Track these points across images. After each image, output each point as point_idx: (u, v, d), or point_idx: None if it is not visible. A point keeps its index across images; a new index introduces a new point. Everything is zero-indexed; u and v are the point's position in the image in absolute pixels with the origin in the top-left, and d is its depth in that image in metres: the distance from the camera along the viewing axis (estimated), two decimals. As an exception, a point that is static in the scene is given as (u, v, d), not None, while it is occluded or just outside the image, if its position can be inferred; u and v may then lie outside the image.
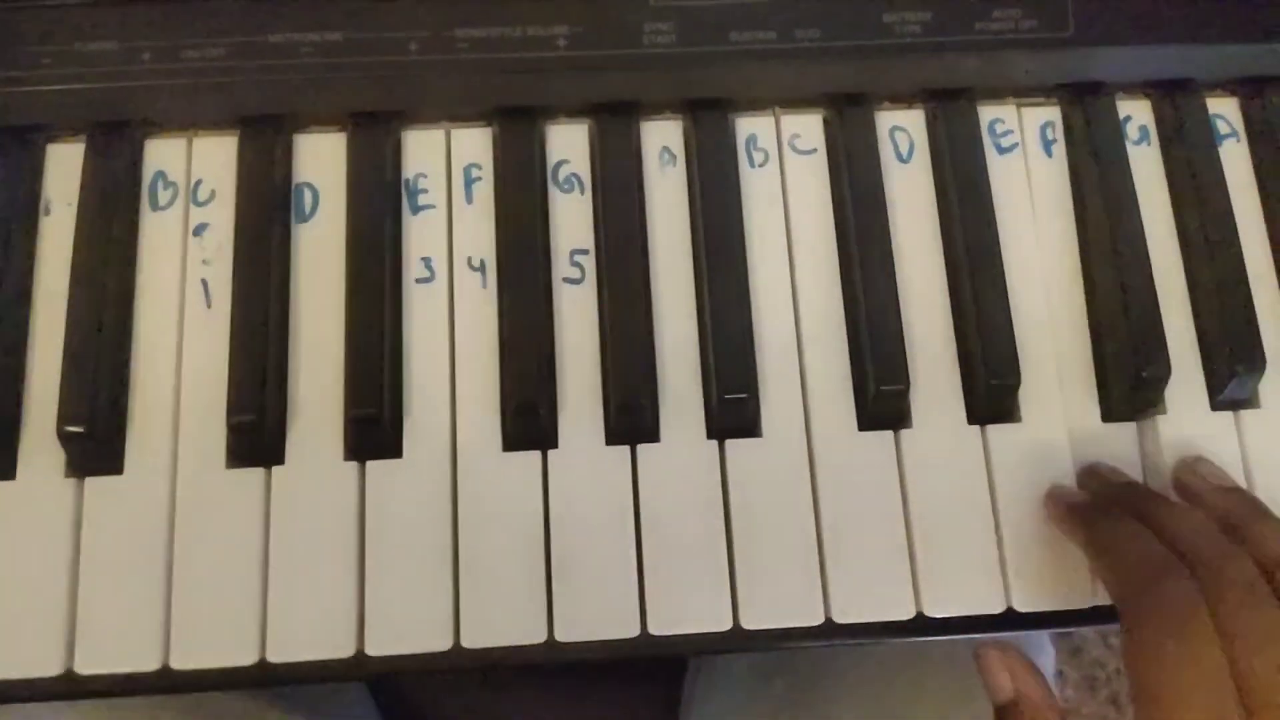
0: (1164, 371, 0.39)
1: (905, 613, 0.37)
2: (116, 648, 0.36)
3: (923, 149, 0.42)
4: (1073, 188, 0.42)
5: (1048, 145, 0.43)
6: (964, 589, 0.37)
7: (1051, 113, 0.43)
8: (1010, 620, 0.37)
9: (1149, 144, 0.43)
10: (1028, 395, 0.39)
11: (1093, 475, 0.38)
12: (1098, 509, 0.36)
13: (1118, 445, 0.39)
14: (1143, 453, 0.39)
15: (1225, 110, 0.43)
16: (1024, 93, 0.43)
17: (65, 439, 0.37)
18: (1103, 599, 0.37)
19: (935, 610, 0.37)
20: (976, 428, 0.39)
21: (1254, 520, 0.34)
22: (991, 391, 0.38)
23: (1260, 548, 0.32)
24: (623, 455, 0.38)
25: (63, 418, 0.36)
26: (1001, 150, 0.42)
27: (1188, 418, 0.39)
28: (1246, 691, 0.29)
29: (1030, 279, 0.41)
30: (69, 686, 0.36)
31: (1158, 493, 0.37)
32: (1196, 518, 0.34)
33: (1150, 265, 0.40)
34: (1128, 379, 0.39)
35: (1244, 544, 0.32)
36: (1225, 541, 0.32)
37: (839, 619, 0.37)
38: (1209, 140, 0.42)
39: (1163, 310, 0.39)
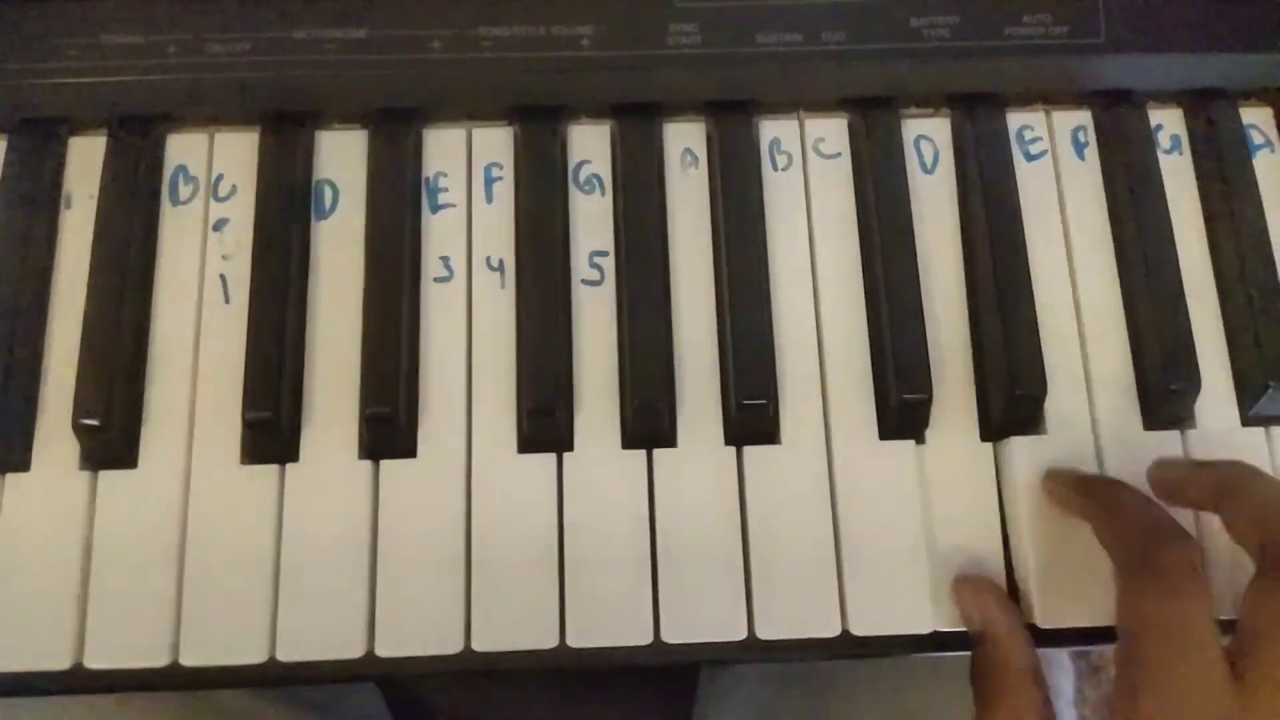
0: (1193, 386, 0.38)
1: (924, 626, 0.36)
2: (126, 643, 0.35)
3: (948, 160, 0.41)
4: (1106, 192, 0.41)
5: (1080, 149, 0.42)
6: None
7: (1083, 116, 0.42)
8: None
9: (1180, 153, 0.42)
10: (1054, 406, 0.38)
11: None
12: (1099, 477, 0.36)
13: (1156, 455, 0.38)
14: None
15: (1259, 120, 0.43)
16: (1053, 100, 0.42)
17: (80, 431, 0.36)
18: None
19: (949, 624, 0.36)
20: (990, 443, 0.38)
21: (1251, 477, 0.33)
22: (1015, 403, 0.37)
23: (1263, 503, 0.32)
24: (639, 460, 0.37)
25: (78, 410, 0.36)
26: (1030, 158, 0.42)
27: (1217, 432, 0.38)
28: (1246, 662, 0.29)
29: (1056, 290, 0.40)
30: (78, 681, 0.35)
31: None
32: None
33: (1180, 278, 0.39)
34: (1156, 392, 0.38)
35: (1244, 504, 0.32)
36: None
37: (856, 631, 0.36)
38: (1243, 150, 0.41)
39: (1195, 322, 0.39)
